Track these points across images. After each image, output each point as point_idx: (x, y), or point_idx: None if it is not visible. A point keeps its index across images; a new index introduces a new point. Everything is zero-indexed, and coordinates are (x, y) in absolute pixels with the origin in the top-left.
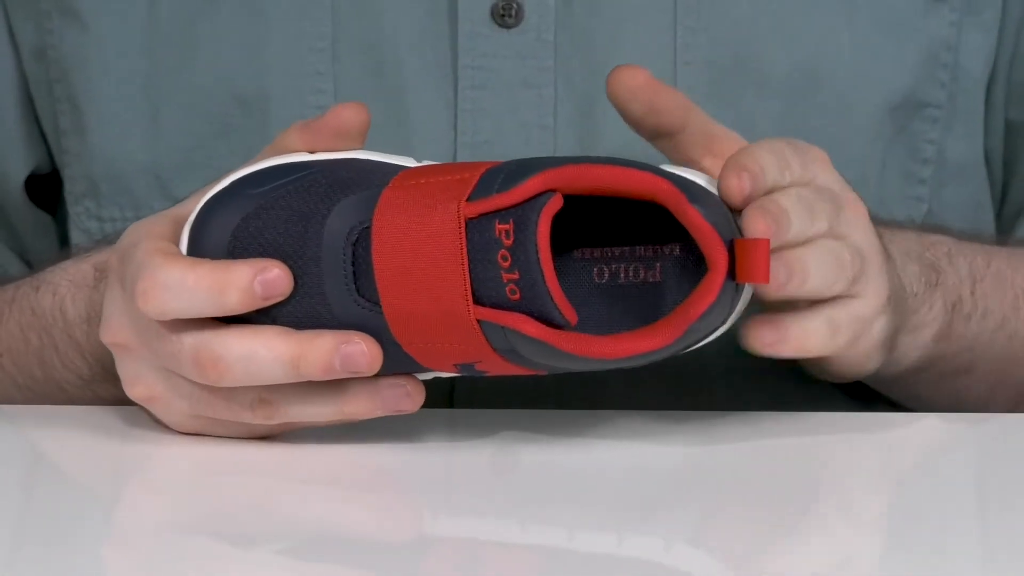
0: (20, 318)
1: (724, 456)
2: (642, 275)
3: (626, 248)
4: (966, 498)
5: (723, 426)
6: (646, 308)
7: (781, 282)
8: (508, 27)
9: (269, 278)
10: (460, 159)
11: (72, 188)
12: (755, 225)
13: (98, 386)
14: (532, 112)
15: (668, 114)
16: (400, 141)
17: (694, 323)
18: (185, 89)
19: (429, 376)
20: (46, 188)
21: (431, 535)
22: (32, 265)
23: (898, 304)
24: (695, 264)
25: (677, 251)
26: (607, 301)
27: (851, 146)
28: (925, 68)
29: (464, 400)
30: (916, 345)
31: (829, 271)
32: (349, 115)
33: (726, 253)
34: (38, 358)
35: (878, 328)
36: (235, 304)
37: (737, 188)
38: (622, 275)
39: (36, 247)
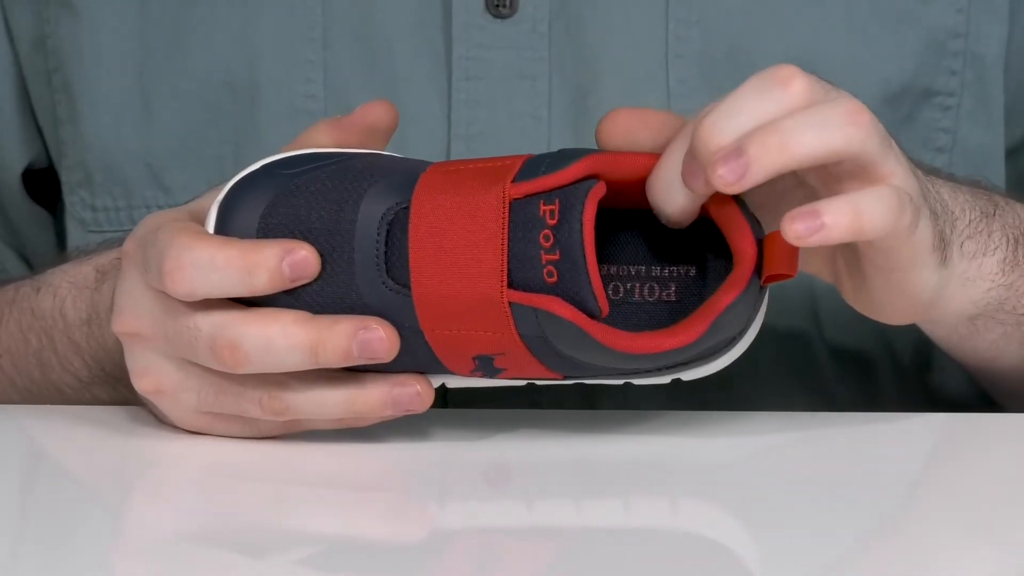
0: (20, 319)
1: (724, 454)
2: (657, 294)
3: (642, 267)
4: (966, 498)
5: (724, 425)
6: (662, 325)
7: (728, 178)
8: (503, 17)
9: (297, 259)
10: (454, 151)
11: (68, 178)
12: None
13: (97, 388)
14: (527, 103)
15: (670, 127)
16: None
17: (720, 315)
18: (177, 76)
19: (439, 381)
20: (43, 184)
21: (440, 531)
22: (30, 262)
23: (943, 218)
24: (712, 284)
25: (693, 272)
26: (621, 317)
27: None
28: (928, 57)
29: (459, 402)
30: (982, 274)
31: (830, 123)
32: (378, 113)
33: (755, 246)
34: (37, 359)
35: (925, 222)
36: (264, 284)
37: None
38: (636, 293)
39: (34, 243)
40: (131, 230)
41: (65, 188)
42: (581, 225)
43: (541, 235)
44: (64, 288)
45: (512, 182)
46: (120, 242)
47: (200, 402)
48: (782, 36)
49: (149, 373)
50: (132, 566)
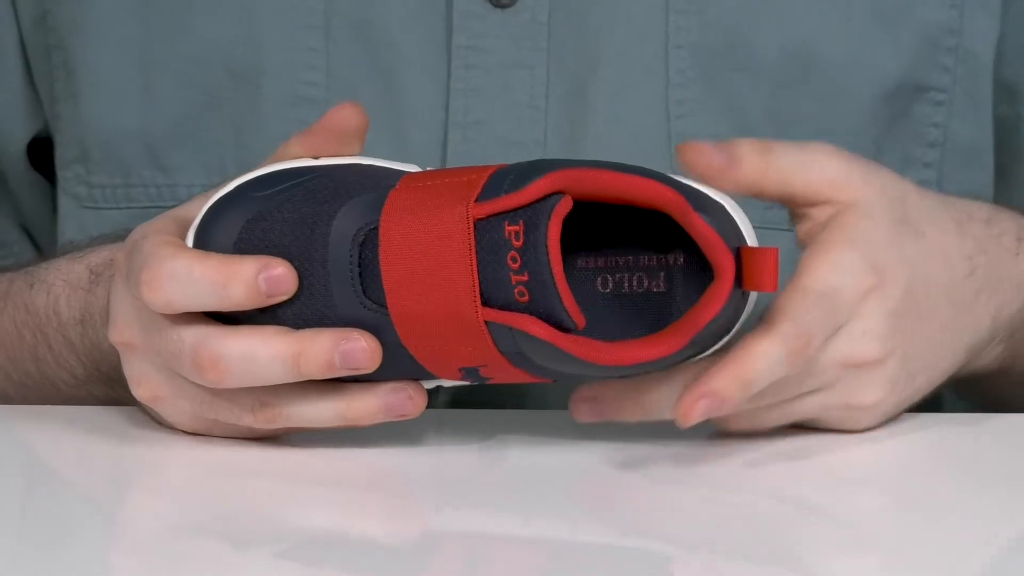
0: (14, 314)
1: (719, 453)
2: (646, 285)
3: (630, 257)
4: (965, 498)
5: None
6: (651, 317)
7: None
8: (503, 7)
9: (274, 275)
10: (451, 139)
11: (63, 153)
12: None
13: (92, 386)
14: (524, 92)
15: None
16: (392, 121)
17: (701, 331)
18: (178, 59)
19: (433, 384)
20: (44, 153)
21: (436, 532)
22: (31, 232)
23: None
24: (700, 274)
25: (681, 260)
26: (611, 310)
27: (842, 132)
28: (923, 53)
29: (463, 396)
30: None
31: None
32: (345, 115)
33: (733, 260)
34: (32, 355)
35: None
36: (239, 298)
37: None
38: (626, 285)
39: (34, 214)
40: (128, 207)
41: (59, 162)
42: (547, 247)
43: (508, 257)
44: (58, 286)
45: (475, 201)
46: (112, 237)
47: (195, 409)
48: (780, 28)
49: (145, 382)
50: (129, 566)
